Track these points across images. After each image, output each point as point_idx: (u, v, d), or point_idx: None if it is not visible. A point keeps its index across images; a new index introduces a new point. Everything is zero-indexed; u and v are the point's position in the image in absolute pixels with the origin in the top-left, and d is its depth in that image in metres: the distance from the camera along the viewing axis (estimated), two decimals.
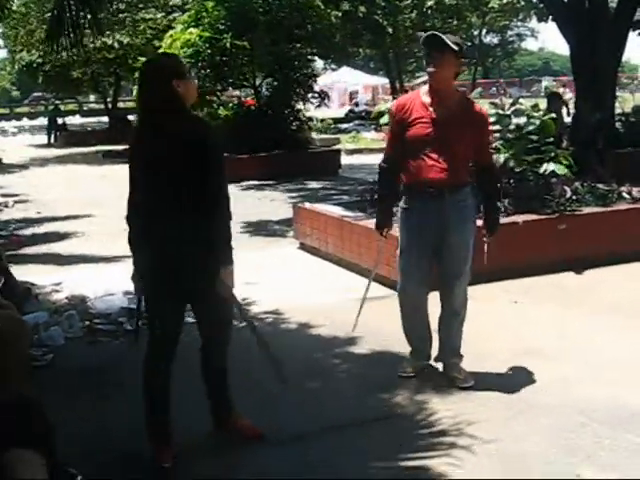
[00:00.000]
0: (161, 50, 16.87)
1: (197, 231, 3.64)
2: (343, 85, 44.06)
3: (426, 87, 4.65)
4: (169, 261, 3.69)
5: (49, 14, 9.16)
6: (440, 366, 4.99)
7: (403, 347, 5.09)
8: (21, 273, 7.08)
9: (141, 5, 27.69)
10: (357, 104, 40.24)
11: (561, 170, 7.57)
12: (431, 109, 4.54)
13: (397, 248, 4.85)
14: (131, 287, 6.73)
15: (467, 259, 4.70)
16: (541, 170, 7.63)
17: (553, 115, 8.66)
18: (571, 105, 15.46)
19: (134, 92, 19.70)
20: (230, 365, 4.12)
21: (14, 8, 22.84)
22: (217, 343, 4.04)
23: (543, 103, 12.41)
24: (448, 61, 4.45)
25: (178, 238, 3.63)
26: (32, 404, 2.61)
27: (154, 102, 3.71)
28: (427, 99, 4.58)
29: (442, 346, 4.91)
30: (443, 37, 4.45)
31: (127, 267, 7.64)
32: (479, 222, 4.87)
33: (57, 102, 36.73)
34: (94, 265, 8.21)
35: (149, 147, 3.73)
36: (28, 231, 10.76)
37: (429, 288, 4.82)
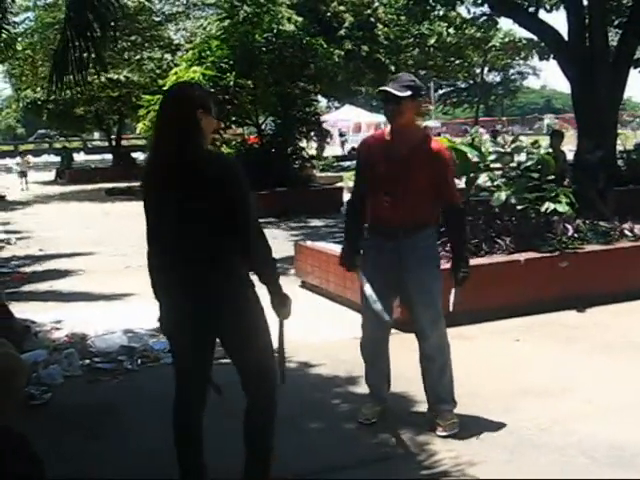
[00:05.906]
0: (164, 88, 16.97)
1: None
2: (345, 123, 44.13)
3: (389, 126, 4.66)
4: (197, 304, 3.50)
5: (54, 52, 9.26)
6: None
7: (403, 386, 5.06)
8: (21, 310, 7.07)
9: (146, 44, 27.96)
10: (344, 143, 40.52)
11: (562, 208, 7.57)
12: (392, 148, 4.53)
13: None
14: (131, 325, 6.82)
15: (431, 305, 4.56)
16: (542, 209, 7.62)
17: (550, 150, 8.71)
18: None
19: (138, 129, 19.75)
20: (235, 404, 3.82)
21: (19, 47, 23.09)
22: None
23: (545, 140, 12.45)
24: (405, 108, 4.44)
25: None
26: (20, 439, 2.57)
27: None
28: (389, 138, 4.59)
29: (426, 392, 4.76)
30: (392, 91, 4.44)
31: (128, 305, 7.74)
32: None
33: (62, 139, 36.94)
34: (95, 303, 8.17)
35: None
36: (30, 268, 10.74)
37: (387, 330, 4.75)
